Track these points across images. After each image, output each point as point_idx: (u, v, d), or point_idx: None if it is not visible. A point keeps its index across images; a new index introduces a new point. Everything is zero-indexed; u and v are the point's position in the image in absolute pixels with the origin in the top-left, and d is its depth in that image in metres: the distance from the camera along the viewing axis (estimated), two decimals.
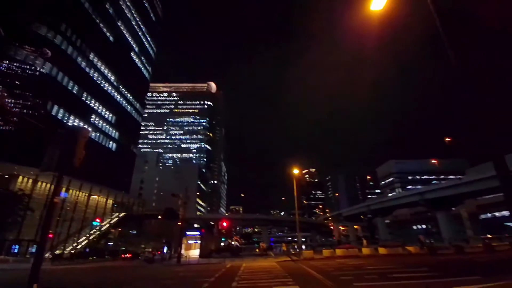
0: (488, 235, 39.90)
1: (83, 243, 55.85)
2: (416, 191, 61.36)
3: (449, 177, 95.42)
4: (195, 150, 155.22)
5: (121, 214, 69.72)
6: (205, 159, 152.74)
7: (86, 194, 62.83)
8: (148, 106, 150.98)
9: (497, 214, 63.52)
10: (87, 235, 58.25)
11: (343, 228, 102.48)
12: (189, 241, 44.56)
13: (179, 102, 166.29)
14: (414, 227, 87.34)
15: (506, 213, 59.46)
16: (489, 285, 8.75)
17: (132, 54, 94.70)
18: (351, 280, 11.33)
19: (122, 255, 46.68)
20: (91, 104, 69.24)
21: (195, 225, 69.28)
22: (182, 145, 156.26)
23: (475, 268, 13.63)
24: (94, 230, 60.54)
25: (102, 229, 62.33)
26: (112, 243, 64.74)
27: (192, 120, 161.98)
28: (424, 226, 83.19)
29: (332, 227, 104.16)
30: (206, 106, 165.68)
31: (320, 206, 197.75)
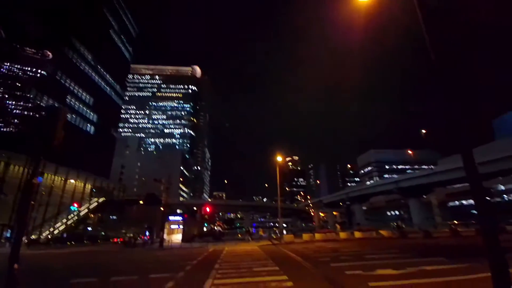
0: (455, 222, 43.19)
1: (60, 228, 54.31)
2: (391, 180, 64.59)
3: (422, 167, 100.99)
4: (178, 136, 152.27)
5: (101, 199, 68.04)
6: (188, 145, 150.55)
7: (63, 179, 60.45)
8: (129, 89, 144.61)
9: (464, 202, 68.57)
10: (64, 220, 56.64)
11: (322, 214, 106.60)
12: (172, 226, 44.57)
13: (162, 85, 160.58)
14: (388, 213, 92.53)
15: (472, 201, 64.30)
16: (452, 266, 9.68)
17: (111, 32, 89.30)
18: (328, 261, 12.02)
19: (115, 239, 45.76)
20: (67, 84, 65.34)
21: (178, 211, 69.16)
22: (165, 130, 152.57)
23: (441, 251, 14.85)
24: (72, 215, 58.91)
25: (81, 214, 60.74)
26: (91, 228, 63.43)
27: (175, 104, 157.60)
28: (397, 212, 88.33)
29: (312, 213, 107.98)
30: (190, 91, 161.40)
31: (302, 193, 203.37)
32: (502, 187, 60.72)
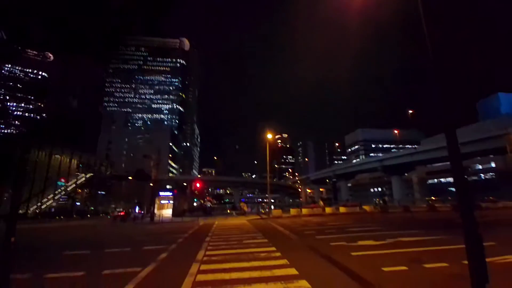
0: (433, 198, 45.89)
1: (47, 203, 53.89)
2: (376, 158, 66.85)
3: (406, 146, 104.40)
4: (167, 111, 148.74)
5: (88, 175, 67.27)
6: (177, 121, 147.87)
7: (47, 154, 58.81)
8: (113, 61, 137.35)
9: (442, 180, 72.44)
10: (52, 195, 56.10)
11: (309, 191, 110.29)
12: (162, 201, 45.16)
13: (149, 58, 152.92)
14: (372, 190, 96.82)
15: (450, 179, 67.95)
16: (427, 238, 10.48)
17: None
18: (314, 234, 12.72)
19: (113, 214, 45.73)
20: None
21: (167, 186, 69.70)
22: (153, 105, 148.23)
23: (418, 224, 15.93)
24: (60, 190, 58.33)
25: (68, 189, 60.19)
26: (79, 203, 63.34)
27: (163, 79, 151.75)
28: (380, 189, 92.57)
29: (299, 190, 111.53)
30: (178, 65, 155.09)
31: (290, 170, 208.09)
32: (480, 167, 64.18)
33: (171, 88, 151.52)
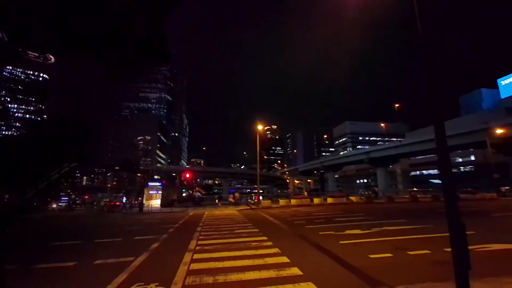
0: (415, 189, 47.75)
1: (30, 193, 52.18)
2: (363, 150, 68.44)
3: (392, 139, 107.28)
4: (155, 100, 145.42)
5: (72, 164, 65.43)
6: (165, 110, 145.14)
7: None
8: None
9: (424, 172, 75.28)
10: (34, 184, 54.29)
11: (297, 182, 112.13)
12: (150, 192, 44.65)
13: None
14: (358, 181, 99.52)
15: (432, 171, 70.78)
16: (410, 227, 11.00)
17: None
18: (303, 223, 13.07)
19: (111, 203, 44.72)
20: None
21: (156, 177, 68.93)
22: (140, 94, 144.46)
23: (401, 214, 16.64)
24: (43, 180, 56.50)
25: (52, 178, 58.42)
26: (64, 193, 61.83)
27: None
28: (365, 180, 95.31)
29: (288, 180, 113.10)
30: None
31: (279, 161, 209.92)
32: (460, 160, 67.03)
33: (159, 76, 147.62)
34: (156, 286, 4.93)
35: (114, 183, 72.53)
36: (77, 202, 52.37)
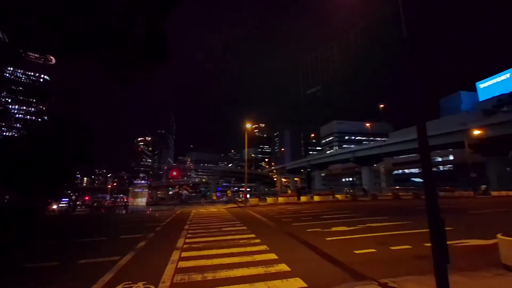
0: (397, 187, 49.40)
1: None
2: (349, 149, 69.98)
3: (376, 138, 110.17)
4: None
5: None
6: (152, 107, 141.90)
7: None
8: None
9: (406, 171, 77.88)
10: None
11: (285, 180, 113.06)
12: (136, 190, 43.80)
13: None
14: (343, 179, 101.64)
15: (413, 170, 73.34)
16: (393, 223, 11.41)
17: None
18: (291, 221, 13.26)
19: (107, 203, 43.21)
20: None
21: (141, 175, 67.53)
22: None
23: (385, 211, 17.20)
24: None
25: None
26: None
27: None
28: (350, 179, 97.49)
29: (275, 179, 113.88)
30: None
31: (267, 160, 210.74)
32: (440, 159, 69.84)
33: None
34: (143, 285, 4.88)
35: (115, 184, 70.79)
36: (78, 203, 50.58)
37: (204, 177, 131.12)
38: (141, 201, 35.52)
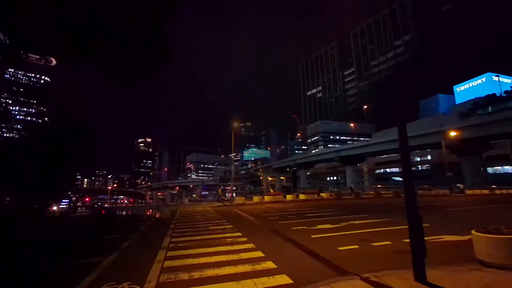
0: (379, 186, 51.12)
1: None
2: (334, 149, 71.49)
3: (360, 138, 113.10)
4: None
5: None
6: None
7: None
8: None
9: (388, 170, 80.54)
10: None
11: (271, 179, 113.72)
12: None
13: None
14: (328, 178, 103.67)
15: (394, 169, 75.98)
16: (375, 220, 11.81)
17: None
18: (277, 219, 13.41)
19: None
20: None
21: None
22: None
23: (367, 209, 17.75)
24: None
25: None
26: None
27: None
28: (335, 178, 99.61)
29: (261, 178, 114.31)
30: None
31: (253, 159, 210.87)
32: (418, 159, 72.77)
33: None
34: (128, 285, 4.81)
35: (115, 185, 68.74)
36: (78, 204, 48.40)
37: (205, 177, 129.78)
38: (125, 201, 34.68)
